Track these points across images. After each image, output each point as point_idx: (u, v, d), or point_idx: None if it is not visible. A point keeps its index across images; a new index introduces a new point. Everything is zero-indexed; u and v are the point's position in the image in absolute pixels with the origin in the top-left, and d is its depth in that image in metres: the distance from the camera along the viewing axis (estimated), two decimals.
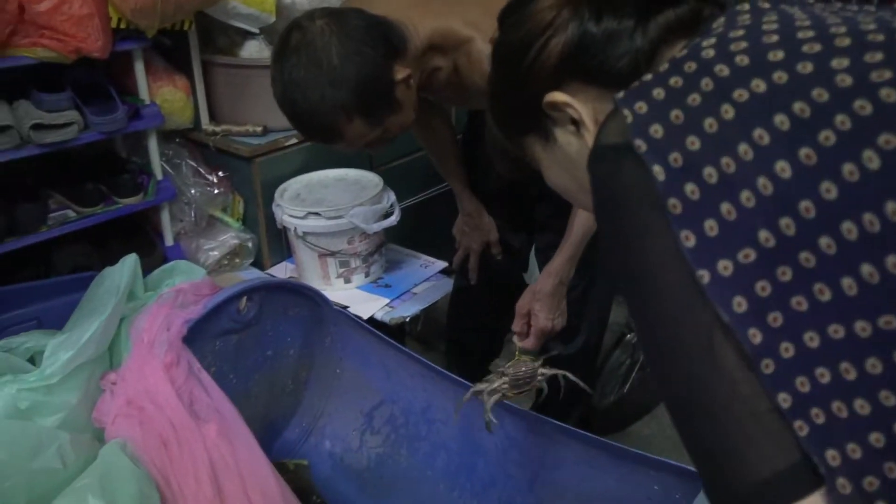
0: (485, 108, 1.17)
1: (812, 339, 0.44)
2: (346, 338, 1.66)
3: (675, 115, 0.49)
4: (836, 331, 0.43)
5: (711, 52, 0.51)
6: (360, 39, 1.00)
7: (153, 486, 0.99)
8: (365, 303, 1.67)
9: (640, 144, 0.49)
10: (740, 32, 0.51)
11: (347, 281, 1.72)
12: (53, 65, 1.42)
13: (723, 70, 0.49)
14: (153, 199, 1.64)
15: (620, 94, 0.53)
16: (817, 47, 0.47)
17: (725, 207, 0.45)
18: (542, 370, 1.24)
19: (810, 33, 0.48)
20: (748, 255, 0.45)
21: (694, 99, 0.49)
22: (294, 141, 1.77)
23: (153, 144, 1.64)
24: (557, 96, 0.59)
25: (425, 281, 1.75)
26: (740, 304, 0.45)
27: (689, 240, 0.46)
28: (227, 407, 1.23)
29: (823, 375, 0.44)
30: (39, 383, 1.13)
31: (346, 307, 1.64)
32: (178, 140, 1.77)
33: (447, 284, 1.75)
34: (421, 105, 1.28)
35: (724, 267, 0.45)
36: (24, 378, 1.13)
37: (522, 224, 1.64)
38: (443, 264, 1.81)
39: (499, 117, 0.68)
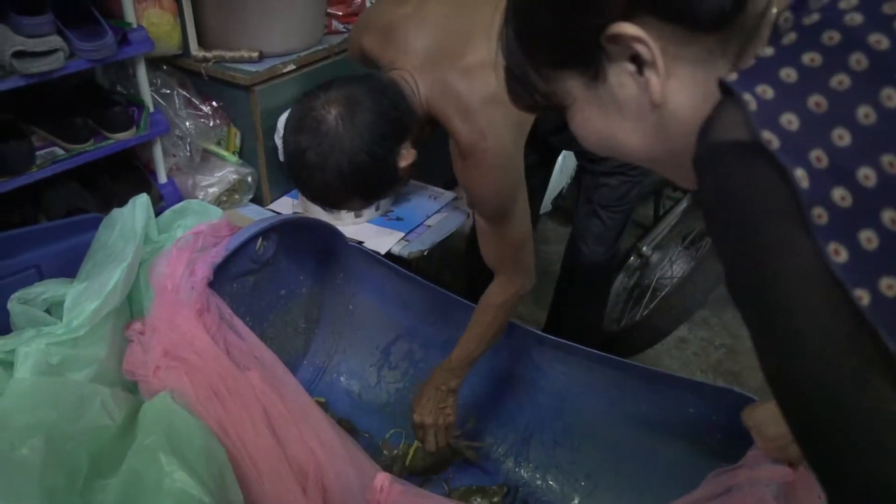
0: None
1: None
2: (360, 274, 1.62)
3: (815, 101, 0.40)
4: None
5: (858, 18, 0.41)
6: (370, 136, 1.03)
7: (215, 438, 0.95)
8: (379, 237, 1.62)
9: (771, 138, 0.40)
10: None
11: (358, 215, 1.66)
12: None
13: (880, 42, 0.40)
14: (146, 133, 1.52)
15: (733, 77, 0.43)
16: None
17: (889, 215, 0.38)
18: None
19: None
20: None
21: (841, 81, 0.40)
22: (292, 67, 1.66)
23: (142, 73, 1.51)
24: (628, 28, 0.48)
25: (437, 213, 1.70)
26: None
27: (838, 254, 0.39)
28: (265, 352, 1.18)
29: None
30: (67, 336, 1.06)
31: (360, 243, 1.59)
32: (165, 68, 1.63)
33: (459, 216, 1.71)
34: None
35: (889, 286, 0.38)
36: (51, 331, 1.05)
37: (538, 163, 1.61)
38: (452, 195, 1.77)
39: (531, 42, 0.55)
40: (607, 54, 0.51)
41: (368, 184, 1.07)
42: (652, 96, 0.50)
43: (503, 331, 1.32)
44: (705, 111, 0.47)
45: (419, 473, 1.44)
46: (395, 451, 1.47)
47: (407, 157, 1.10)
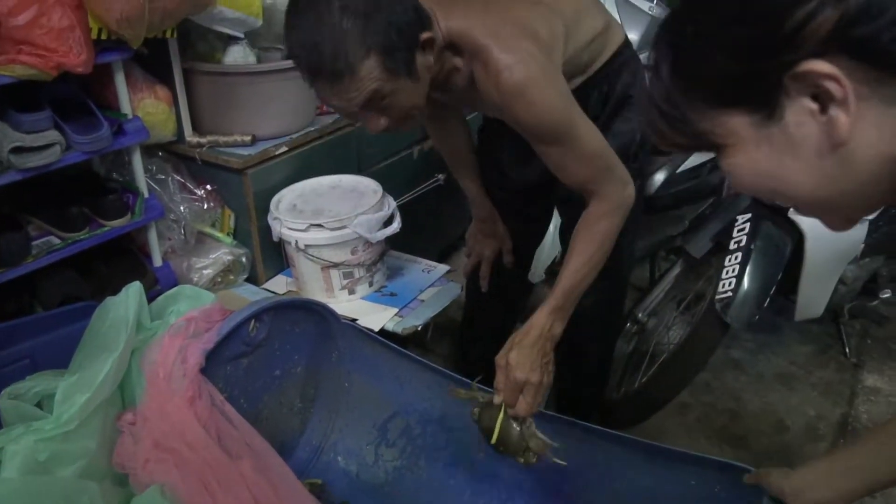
0: (496, 115, 1.14)
1: None
2: (354, 351, 1.61)
3: None
4: None
5: None
6: None
7: None
8: (373, 314, 1.62)
9: None
10: None
11: (352, 292, 1.67)
12: (29, 81, 1.31)
13: None
14: (141, 219, 1.55)
15: None
16: None
17: None
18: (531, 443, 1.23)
19: None
20: None
21: None
22: (284, 149, 1.70)
23: (137, 161, 1.55)
24: (822, 66, 0.46)
25: (430, 286, 1.71)
26: None
27: None
28: (256, 440, 1.17)
29: None
30: (56, 431, 1.05)
31: (354, 320, 1.59)
32: (160, 154, 1.67)
33: (453, 289, 1.71)
34: (437, 106, 1.24)
35: None
36: (40, 427, 1.04)
37: (535, 221, 1.62)
38: (445, 268, 1.78)
39: (694, 80, 0.53)
40: (787, 92, 0.49)
41: (392, 31, 0.93)
42: (839, 135, 0.48)
43: (609, 253, 1.16)
44: (889, 152, 0.46)
45: (501, 451, 1.28)
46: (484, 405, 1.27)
47: (426, 35, 1.00)
